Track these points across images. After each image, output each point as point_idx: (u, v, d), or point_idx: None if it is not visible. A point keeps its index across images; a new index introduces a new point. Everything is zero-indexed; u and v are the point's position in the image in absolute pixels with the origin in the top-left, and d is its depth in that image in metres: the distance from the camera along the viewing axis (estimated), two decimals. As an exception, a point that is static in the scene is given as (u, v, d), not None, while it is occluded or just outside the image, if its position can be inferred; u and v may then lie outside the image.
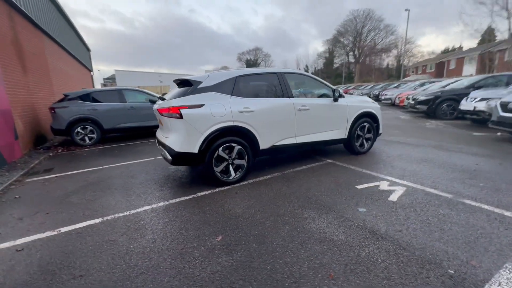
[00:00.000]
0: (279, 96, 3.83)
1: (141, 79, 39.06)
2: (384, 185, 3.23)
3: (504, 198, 2.73)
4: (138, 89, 8.15)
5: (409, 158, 4.40)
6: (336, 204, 2.78)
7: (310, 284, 1.66)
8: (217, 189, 3.38)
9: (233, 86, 3.52)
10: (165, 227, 2.49)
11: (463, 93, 8.64)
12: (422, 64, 45.32)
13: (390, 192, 3.02)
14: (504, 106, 5.16)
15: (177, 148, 3.19)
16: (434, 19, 76.73)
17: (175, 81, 4.01)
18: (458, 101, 8.72)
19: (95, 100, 7.07)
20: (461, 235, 2.11)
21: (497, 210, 2.47)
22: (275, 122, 3.73)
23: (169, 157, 3.24)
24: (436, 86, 11.60)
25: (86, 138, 6.98)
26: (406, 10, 25.31)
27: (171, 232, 2.40)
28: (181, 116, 3.14)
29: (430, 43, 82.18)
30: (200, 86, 3.35)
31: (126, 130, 7.57)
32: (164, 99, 3.67)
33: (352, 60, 56.27)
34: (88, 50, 21.27)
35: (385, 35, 50.41)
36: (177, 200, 3.12)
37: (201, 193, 3.28)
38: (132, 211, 2.87)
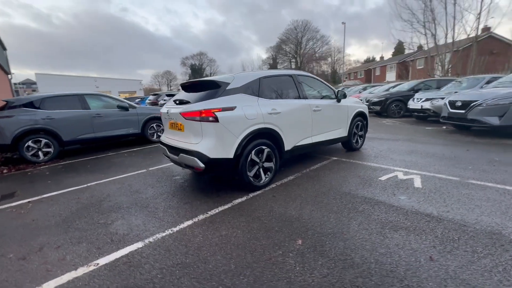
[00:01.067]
0: (296, 98, 3.91)
1: (71, 84, 33.98)
2: (400, 175, 3.61)
3: (496, 176, 3.37)
4: (103, 94, 7.14)
5: (398, 151, 5.01)
6: (376, 196, 2.99)
7: (422, 268, 1.76)
8: (250, 195, 3.23)
9: (259, 88, 3.45)
10: (228, 239, 2.28)
11: (407, 95, 10.26)
12: (353, 71, 51.78)
13: (411, 180, 3.40)
14: (452, 104, 6.35)
15: (212, 154, 2.95)
16: (357, 32, 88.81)
17: (184, 83, 3.71)
18: (403, 102, 10.30)
19: (48, 108, 5.89)
20: (493, 208, 2.53)
21: (499, 186, 3.05)
22: (297, 123, 3.79)
23: (200, 165, 2.96)
24: (379, 90, 13.43)
25: (40, 153, 5.75)
26: (343, 23, 28.66)
27: (242, 243, 2.21)
28: (216, 120, 2.92)
29: (354, 52, 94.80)
30: (229, 87, 3.18)
31: (90, 141, 6.53)
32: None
33: (294, 66, 60.52)
34: (4, 48, 17.57)
35: (322, 45, 55.92)
36: (217, 210, 2.88)
37: (238, 200, 3.10)
38: (175, 229, 2.52)
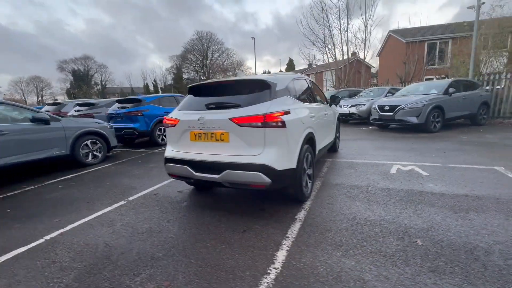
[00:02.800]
0: (314, 102, 3.87)
1: None
2: (402, 168, 4.17)
3: (458, 159, 4.41)
4: (8, 101, 4.80)
5: (368, 148, 5.78)
6: (411, 187, 3.32)
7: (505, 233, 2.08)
8: (304, 206, 2.93)
9: (295, 90, 3.20)
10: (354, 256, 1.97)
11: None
12: (258, 82, 56.49)
13: (414, 171, 3.99)
14: (381, 108, 7.94)
15: (279, 166, 2.49)
16: (252, 48, 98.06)
17: (209, 83, 3.04)
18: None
19: None
20: (491, 182, 3.30)
21: (478, 166, 4.01)
22: (321, 127, 3.75)
23: (266, 181, 2.44)
24: None
25: None
26: (252, 38, 30.86)
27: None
28: (284, 125, 2.49)
29: (252, 66, 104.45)
30: (278, 88, 2.79)
31: (-14, 173, 4.24)
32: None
33: (202, 77, 60.19)
34: None
35: (227, 57, 58.26)
36: (294, 232, 2.44)
37: (300, 215, 2.74)
38: (278, 263, 1.96)
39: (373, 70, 35.21)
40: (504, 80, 8.80)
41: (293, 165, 2.65)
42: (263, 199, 3.22)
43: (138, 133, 7.21)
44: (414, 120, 7.16)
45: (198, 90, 3.08)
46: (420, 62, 19.10)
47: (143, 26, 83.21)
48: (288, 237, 2.35)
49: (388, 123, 8.06)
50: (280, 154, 2.50)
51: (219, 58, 57.87)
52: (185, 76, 61.46)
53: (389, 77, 23.09)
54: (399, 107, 7.40)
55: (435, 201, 2.86)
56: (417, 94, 7.87)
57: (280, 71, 56.43)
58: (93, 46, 76.58)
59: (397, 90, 10.19)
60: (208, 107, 2.77)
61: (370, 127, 9.19)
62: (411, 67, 16.02)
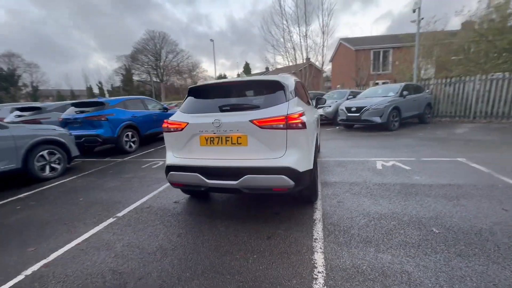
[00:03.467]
0: (309, 103, 3.95)
1: None
2: (384, 163, 4.53)
3: (433, 153, 4.98)
4: None
5: (347, 146, 6.15)
6: (402, 180, 3.62)
7: (497, 215, 2.45)
8: (317, 207, 2.96)
9: (299, 92, 3.21)
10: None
11: None
12: (216, 85, 55.78)
13: (397, 166, 4.36)
14: (349, 109, 8.56)
15: (301, 167, 2.44)
16: (207, 50, 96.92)
17: (220, 83, 2.86)
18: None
19: None
20: (460, 171, 3.80)
21: (445, 159, 4.57)
22: (316, 128, 3.84)
23: (290, 183, 2.38)
24: None
25: None
26: (211, 40, 30.31)
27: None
28: (304, 126, 2.46)
29: (207, 68, 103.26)
30: (290, 89, 2.75)
31: None
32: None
33: (155, 79, 56.76)
34: None
35: (182, 59, 56.08)
36: (319, 234, 2.43)
37: (317, 216, 2.75)
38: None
39: (324, 75, 37.99)
40: (432, 85, 10.30)
41: (311, 166, 2.64)
42: (272, 203, 3.14)
43: (102, 140, 6.41)
44: (378, 120, 7.89)
45: (205, 91, 2.87)
46: (368, 69, 21.27)
47: (82, 22, 74.67)
48: (316, 238, 2.33)
49: (354, 123, 8.72)
50: (301, 156, 2.47)
51: (173, 60, 55.44)
52: (135, 77, 57.26)
53: (341, 81, 25.10)
54: (364, 108, 8.07)
55: (428, 192, 3.17)
56: (377, 96, 8.69)
57: (238, 74, 56.77)
58: (18, 42, 65.70)
59: (356, 92, 11.13)
60: (222, 109, 2.59)
61: (337, 127, 9.82)
62: (364, 72, 17.69)
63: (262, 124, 2.38)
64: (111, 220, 2.98)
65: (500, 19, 9.65)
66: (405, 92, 8.43)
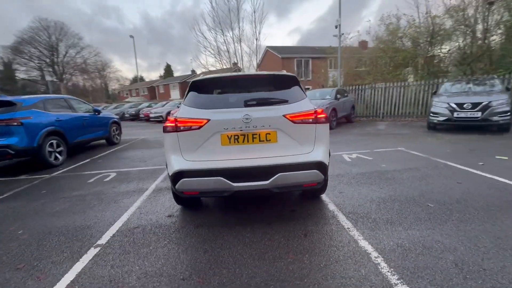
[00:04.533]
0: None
1: None
2: (350, 156, 5.09)
3: (379, 145, 5.88)
4: None
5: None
6: (373, 169, 4.16)
7: (456, 188, 3.19)
8: (324, 199, 3.08)
9: None
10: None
11: None
12: (135, 87, 50.18)
13: (360, 157, 4.98)
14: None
15: (327, 161, 2.49)
16: (117, 48, 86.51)
17: (235, 76, 2.57)
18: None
19: None
20: (410, 159, 4.69)
21: (391, 149, 5.47)
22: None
23: (321, 178, 2.40)
24: None
25: None
26: (131, 36, 27.00)
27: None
28: (327, 120, 2.51)
29: (120, 68, 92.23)
30: (302, 86, 2.75)
31: None
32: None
33: (51, 77, 46.15)
34: None
35: (89, 55, 47.80)
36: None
37: (330, 206, 2.85)
38: (374, 254, 2.00)
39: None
40: (352, 91, 12.39)
41: (329, 159, 2.73)
42: (282, 201, 3.08)
43: (14, 152, 4.80)
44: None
45: (218, 85, 2.56)
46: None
47: None
48: (348, 228, 2.42)
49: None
50: (325, 149, 2.51)
51: (77, 56, 46.68)
52: (21, 75, 45.37)
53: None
54: (309, 109, 8.87)
55: (400, 176, 3.76)
56: (316, 99, 9.71)
57: (160, 76, 52.75)
58: None
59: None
60: (248, 103, 2.35)
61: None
62: (318, 76, 19.51)
63: (295, 119, 2.31)
64: (93, 250, 2.27)
65: (394, 39, 12.46)
66: (338, 95, 9.72)
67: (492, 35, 10.19)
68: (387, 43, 12.66)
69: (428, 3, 11.67)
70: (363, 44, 27.26)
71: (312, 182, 2.40)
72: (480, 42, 10.39)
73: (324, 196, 3.16)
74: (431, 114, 7.38)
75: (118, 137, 8.52)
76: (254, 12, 18.29)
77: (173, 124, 2.34)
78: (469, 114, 6.60)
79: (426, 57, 11.79)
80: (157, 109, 17.99)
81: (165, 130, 2.42)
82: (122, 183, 4.13)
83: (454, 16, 10.80)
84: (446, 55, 11.72)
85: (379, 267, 1.85)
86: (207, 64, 22.74)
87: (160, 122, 17.28)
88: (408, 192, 3.16)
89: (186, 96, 2.58)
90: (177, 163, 2.35)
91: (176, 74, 54.70)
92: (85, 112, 6.99)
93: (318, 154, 2.41)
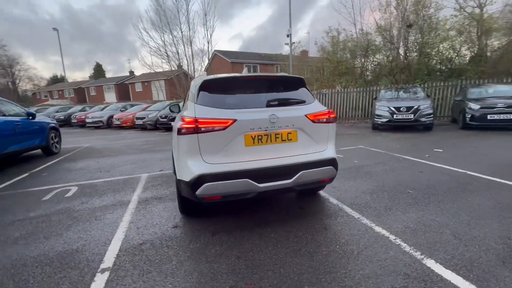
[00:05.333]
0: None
1: None
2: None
3: (343, 144, 6.48)
4: None
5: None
6: (346, 167, 4.62)
7: (417, 177, 3.87)
8: (322, 194, 3.29)
9: None
10: (410, 212, 2.72)
11: None
12: (57, 88, 42.94)
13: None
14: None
15: (336, 157, 2.68)
16: (34, 43, 73.48)
17: (253, 76, 2.51)
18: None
19: None
20: (377, 155, 5.37)
21: (354, 147, 6.12)
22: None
23: (335, 173, 2.58)
24: (155, 107, 14.18)
25: None
26: (55, 29, 23.02)
27: (416, 208, 2.80)
28: (335, 120, 2.71)
29: (35, 65, 77.98)
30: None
31: None
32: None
33: None
34: None
35: (-9, 49, 38.76)
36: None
37: (333, 200, 3.08)
38: (392, 237, 2.27)
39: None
40: None
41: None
42: (284, 200, 3.16)
43: None
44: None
45: (232, 85, 2.48)
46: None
47: None
48: (359, 218, 2.65)
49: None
50: (334, 147, 2.71)
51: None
52: None
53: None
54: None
55: (374, 169, 4.28)
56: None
57: (90, 76, 46.37)
58: None
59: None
60: (270, 104, 2.35)
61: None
62: None
63: (315, 118, 2.43)
64: (102, 276, 1.92)
65: (336, 50, 14.04)
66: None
67: (411, 52, 12.51)
68: (331, 54, 14.16)
69: (363, 20, 13.57)
70: (304, 53, 29.65)
71: (328, 178, 2.56)
72: (402, 57, 12.61)
73: (321, 192, 3.36)
74: (376, 117, 8.56)
75: (58, 146, 7.23)
76: (206, 15, 18.04)
77: (193, 125, 2.17)
78: (404, 116, 7.93)
79: (362, 67, 13.64)
80: (95, 113, 15.88)
81: (180, 132, 2.23)
82: (92, 198, 3.55)
83: (383, 34, 12.83)
84: (377, 67, 13.79)
85: (402, 247, 2.10)
86: (153, 65, 21.32)
87: (99, 127, 15.34)
88: (388, 182, 3.64)
89: (197, 95, 2.43)
90: (198, 167, 2.19)
91: (108, 75, 49.05)
92: (15, 115, 5.72)
93: (331, 151, 2.58)
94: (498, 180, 3.52)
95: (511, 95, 7.72)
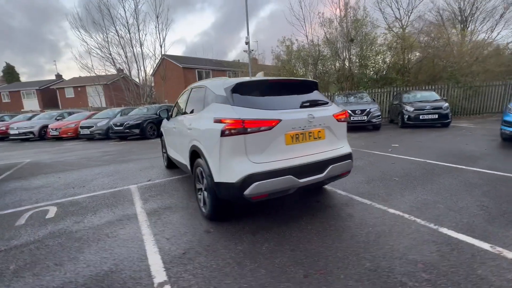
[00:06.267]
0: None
1: None
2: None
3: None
4: None
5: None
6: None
7: (390, 169, 4.61)
8: (327, 188, 3.62)
9: None
10: (406, 195, 3.25)
11: (147, 118, 11.22)
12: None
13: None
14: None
15: (351, 151, 3.01)
16: None
17: (283, 80, 2.77)
18: (155, 123, 11.42)
19: None
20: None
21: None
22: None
23: (352, 165, 2.92)
24: (103, 114, 12.84)
25: None
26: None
27: (409, 191, 3.37)
28: (347, 119, 3.05)
29: None
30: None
31: None
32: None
33: None
34: None
35: None
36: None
37: (341, 193, 3.42)
38: (406, 215, 2.70)
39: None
40: None
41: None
42: (295, 196, 3.36)
43: None
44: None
45: (266, 88, 2.58)
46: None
47: None
48: (371, 204, 3.03)
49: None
50: (348, 143, 3.05)
51: None
52: None
53: (169, 96, 25.41)
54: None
55: (358, 164, 4.85)
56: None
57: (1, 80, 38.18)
58: None
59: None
60: (303, 105, 2.52)
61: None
62: None
63: (339, 118, 2.72)
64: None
65: (290, 59, 15.11)
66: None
67: (354, 63, 14.37)
68: (285, 62, 15.15)
69: (314, 32, 14.99)
70: (254, 61, 30.66)
71: (347, 171, 2.88)
72: (347, 67, 14.37)
73: (326, 186, 3.68)
74: (335, 119, 9.54)
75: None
76: (157, 17, 17.13)
77: (240, 126, 2.21)
78: (359, 118, 9.08)
79: (315, 75, 14.99)
80: (22, 124, 13.34)
81: (225, 133, 2.24)
82: (84, 216, 3.11)
83: (330, 46, 14.41)
84: (326, 75, 15.36)
85: (417, 222, 2.53)
86: (93, 67, 19.13)
87: (28, 140, 12.97)
88: (374, 174, 4.20)
89: (232, 97, 2.46)
90: (245, 167, 2.23)
91: (23, 78, 41.31)
92: None
93: (348, 147, 2.92)
94: (451, 165, 4.44)
95: (433, 99, 9.66)
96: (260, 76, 3.01)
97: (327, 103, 2.82)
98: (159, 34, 18.92)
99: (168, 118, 4.57)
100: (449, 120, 8.99)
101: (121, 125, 10.60)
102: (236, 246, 2.29)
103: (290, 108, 2.50)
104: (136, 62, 17.95)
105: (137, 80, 20.25)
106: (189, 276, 1.91)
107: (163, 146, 5.39)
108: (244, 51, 14.13)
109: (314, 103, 2.70)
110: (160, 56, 24.07)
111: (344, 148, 2.85)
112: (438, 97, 9.89)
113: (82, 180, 4.71)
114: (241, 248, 2.25)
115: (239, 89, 2.52)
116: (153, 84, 25.23)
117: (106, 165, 5.91)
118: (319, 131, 2.61)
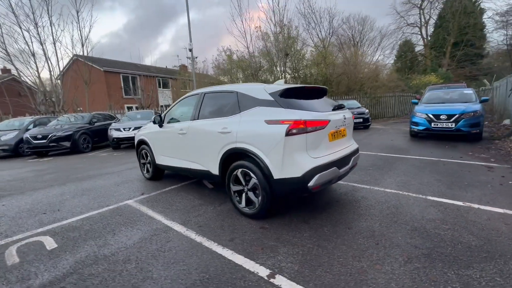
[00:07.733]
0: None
1: None
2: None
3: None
4: None
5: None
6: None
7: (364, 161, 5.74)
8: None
9: None
10: (387, 178, 4.19)
11: (80, 128, 9.63)
12: None
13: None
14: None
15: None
16: None
17: (316, 88, 3.16)
18: (89, 134, 9.82)
19: None
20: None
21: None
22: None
23: (359, 158, 3.59)
24: (6, 125, 10.20)
25: None
26: None
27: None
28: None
29: None
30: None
31: None
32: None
33: None
34: None
35: None
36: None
37: (346, 189, 4.09)
38: None
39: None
40: None
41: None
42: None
43: None
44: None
45: (305, 93, 2.92)
46: (120, 91, 20.99)
47: None
48: (372, 187, 3.78)
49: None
50: (353, 140, 3.72)
51: None
52: None
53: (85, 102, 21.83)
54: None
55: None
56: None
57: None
58: None
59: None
60: (334, 107, 2.99)
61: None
62: (148, 95, 17.60)
63: (354, 119, 3.33)
64: (276, 278, 1.91)
65: (232, 69, 15.64)
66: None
67: (289, 74, 16.12)
68: (226, 71, 15.59)
69: (254, 44, 16.01)
70: (183, 68, 29.88)
71: (357, 162, 3.53)
72: (284, 78, 15.98)
73: (325, 179, 4.28)
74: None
75: None
76: (78, 12, 14.63)
77: (303, 126, 2.50)
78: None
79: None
80: None
81: (289, 133, 2.48)
82: (104, 238, 2.67)
83: (266, 59, 15.73)
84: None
85: (411, 195, 3.39)
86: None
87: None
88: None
89: (281, 101, 2.72)
90: (308, 162, 2.54)
91: None
92: None
93: (355, 143, 3.58)
94: (395, 155, 5.82)
95: (356, 106, 11.96)
96: (281, 83, 3.31)
97: (343, 106, 3.42)
98: (80, 31, 16.13)
99: (160, 125, 4.27)
100: (369, 123, 11.35)
101: (43, 137, 8.60)
102: (302, 234, 2.55)
103: (327, 111, 2.95)
104: (47, 60, 14.74)
105: (31, 82, 16.42)
106: (289, 264, 2.08)
107: (143, 156, 4.92)
108: (187, 57, 13.81)
109: (340, 106, 3.24)
110: (73, 56, 20.47)
111: (355, 144, 3.50)
112: (359, 105, 12.32)
113: (47, 204, 3.81)
114: (308, 235, 2.52)
115: (285, 94, 2.80)
116: (60, 89, 20.96)
117: (61, 185, 4.86)
118: (344, 130, 3.16)
